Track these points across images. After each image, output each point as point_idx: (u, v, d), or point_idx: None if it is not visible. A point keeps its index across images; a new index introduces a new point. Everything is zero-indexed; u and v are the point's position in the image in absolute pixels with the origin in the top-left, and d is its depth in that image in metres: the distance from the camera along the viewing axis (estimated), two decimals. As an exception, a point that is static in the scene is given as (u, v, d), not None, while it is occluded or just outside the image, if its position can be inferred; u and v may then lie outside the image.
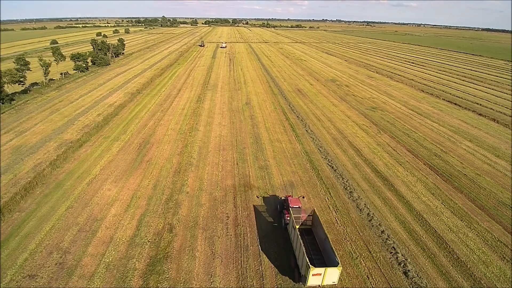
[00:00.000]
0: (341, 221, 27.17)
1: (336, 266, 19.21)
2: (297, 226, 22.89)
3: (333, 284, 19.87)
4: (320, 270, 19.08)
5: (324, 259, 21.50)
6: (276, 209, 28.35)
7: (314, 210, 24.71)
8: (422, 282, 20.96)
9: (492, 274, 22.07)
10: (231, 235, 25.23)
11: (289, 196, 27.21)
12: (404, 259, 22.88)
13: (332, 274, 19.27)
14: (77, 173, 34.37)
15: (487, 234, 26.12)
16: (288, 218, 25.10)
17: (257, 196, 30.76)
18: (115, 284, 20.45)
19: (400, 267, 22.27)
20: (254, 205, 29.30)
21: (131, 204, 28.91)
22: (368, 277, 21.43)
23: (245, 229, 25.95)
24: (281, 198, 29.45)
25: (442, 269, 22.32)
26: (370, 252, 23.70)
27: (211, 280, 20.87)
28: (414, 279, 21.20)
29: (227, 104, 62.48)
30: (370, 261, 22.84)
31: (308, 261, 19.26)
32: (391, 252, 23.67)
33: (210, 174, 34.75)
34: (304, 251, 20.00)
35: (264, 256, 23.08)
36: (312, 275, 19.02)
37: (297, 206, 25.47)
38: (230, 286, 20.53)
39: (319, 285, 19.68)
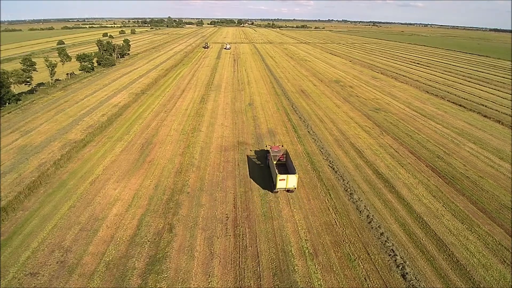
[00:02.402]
0: (340, 223, 27.16)
1: (294, 174, 29.52)
2: (274, 162, 33.20)
3: (293, 187, 30.22)
4: (284, 176, 29.29)
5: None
6: (263, 156, 39.42)
7: (286, 150, 36.48)
8: (420, 285, 20.89)
9: (492, 277, 21.90)
10: (230, 235, 25.39)
11: (272, 146, 37.28)
12: (402, 262, 22.82)
13: (292, 179, 29.49)
14: (80, 173, 34.86)
15: (488, 237, 25.90)
16: (269, 158, 34.63)
17: (250, 150, 41.20)
18: (115, 282, 20.73)
19: (399, 270, 22.22)
20: (247, 155, 39.84)
21: (132, 204, 29.25)
22: (365, 279, 21.42)
23: (244, 229, 26.09)
24: (266, 146, 39.59)
25: (441, 272, 22.21)
26: (369, 254, 23.68)
27: (209, 280, 21.05)
28: (412, 281, 21.14)
29: (230, 104, 62.73)
30: (368, 263, 22.83)
31: (276, 171, 29.65)
32: (389, 255, 23.62)
33: (211, 174, 34.98)
34: (276, 170, 29.92)
35: (262, 256, 23.23)
36: (279, 180, 29.20)
37: (276, 150, 36.14)
38: (228, 286, 20.70)
39: (284, 188, 30.20)
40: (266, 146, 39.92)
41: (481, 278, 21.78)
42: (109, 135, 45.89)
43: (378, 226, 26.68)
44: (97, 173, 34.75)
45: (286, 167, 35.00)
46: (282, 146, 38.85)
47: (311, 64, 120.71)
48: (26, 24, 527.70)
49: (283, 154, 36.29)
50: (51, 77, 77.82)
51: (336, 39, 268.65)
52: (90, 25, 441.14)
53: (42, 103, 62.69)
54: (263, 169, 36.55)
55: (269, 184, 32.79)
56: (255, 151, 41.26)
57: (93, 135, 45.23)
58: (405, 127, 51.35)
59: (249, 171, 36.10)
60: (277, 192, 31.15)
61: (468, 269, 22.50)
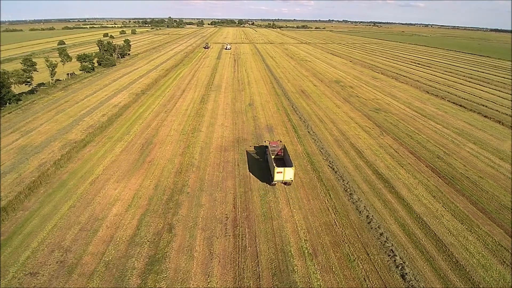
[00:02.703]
0: (340, 223, 27.16)
1: (291, 167, 30.76)
2: (273, 156, 34.68)
3: (290, 180, 31.36)
4: (281, 169, 30.59)
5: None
6: (262, 152, 40.92)
7: (284, 145, 37.90)
8: (419, 285, 20.88)
9: (491, 278, 21.89)
10: (229, 235, 25.41)
11: (271, 141, 38.82)
12: (402, 262, 22.82)
13: (289, 172, 30.73)
14: (80, 173, 34.90)
15: (487, 238, 25.88)
16: (268, 153, 36.02)
17: (249, 146, 42.63)
18: (114, 282, 20.76)
19: (398, 270, 22.21)
20: (247, 150, 41.30)
21: (132, 204, 29.28)
22: (365, 279, 21.42)
23: (244, 230, 26.11)
24: (265, 142, 40.75)
25: (440, 272, 22.21)
26: (368, 255, 23.68)
27: (208, 280, 21.07)
28: (411, 282, 21.14)
29: (230, 105, 62.76)
30: (367, 264, 22.83)
31: (274, 164, 31.02)
32: (389, 255, 23.62)
33: (211, 175, 35.00)
34: (274, 164, 31.20)
35: (262, 256, 23.25)
36: (276, 172, 30.49)
37: (275, 145, 37.65)
38: (227, 286, 20.71)
39: (282, 181, 31.40)
40: (264, 142, 41.29)
41: (480, 279, 21.78)
42: (109, 135, 45.94)
43: (378, 227, 26.68)
44: (97, 173, 34.80)
45: (284, 162, 36.00)
46: (280, 141, 39.86)
47: (312, 64, 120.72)
48: (27, 24, 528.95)
49: (281, 149, 37.78)
50: (51, 77, 77.88)
51: (336, 39, 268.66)
52: (90, 25, 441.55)
53: (42, 103, 62.79)
54: (262, 163, 37.66)
55: (267, 177, 33.86)
56: (254, 146, 42.65)
57: (93, 135, 45.28)
58: (405, 128, 51.33)
59: (248, 166, 37.06)
60: (275, 184, 32.46)
61: (467, 270, 22.50)
